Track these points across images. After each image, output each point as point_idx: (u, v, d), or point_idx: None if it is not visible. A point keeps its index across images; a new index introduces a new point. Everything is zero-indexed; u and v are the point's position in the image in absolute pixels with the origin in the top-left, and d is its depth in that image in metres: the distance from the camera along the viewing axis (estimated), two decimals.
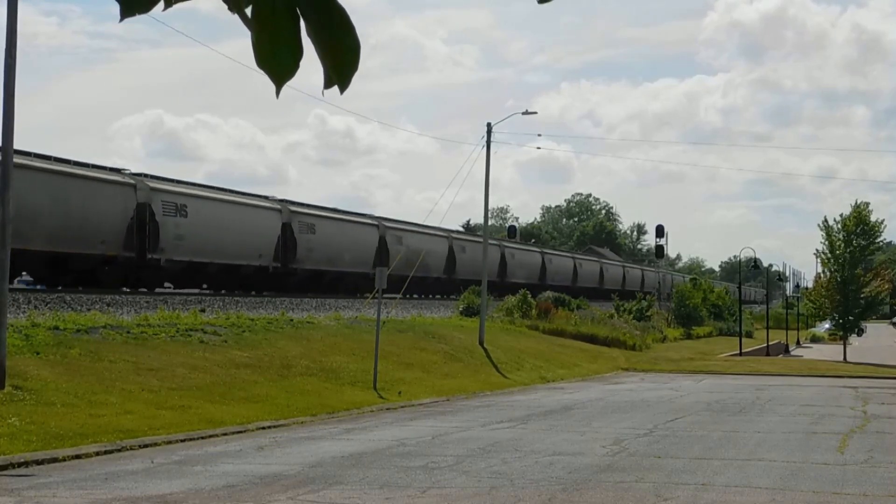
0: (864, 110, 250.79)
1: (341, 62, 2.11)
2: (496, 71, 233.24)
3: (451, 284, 52.76)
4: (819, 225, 57.97)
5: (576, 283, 71.54)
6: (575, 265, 74.97)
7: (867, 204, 57.55)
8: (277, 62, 2.09)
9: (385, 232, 46.66)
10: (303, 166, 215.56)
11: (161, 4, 2.02)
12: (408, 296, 47.73)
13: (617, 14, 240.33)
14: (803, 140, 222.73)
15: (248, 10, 2.08)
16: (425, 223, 49.41)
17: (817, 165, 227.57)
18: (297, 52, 2.09)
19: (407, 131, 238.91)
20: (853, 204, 57.90)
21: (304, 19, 2.08)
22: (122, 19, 2.03)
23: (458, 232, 64.23)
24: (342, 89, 2.14)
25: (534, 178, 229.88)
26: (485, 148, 36.57)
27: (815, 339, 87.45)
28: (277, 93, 2.14)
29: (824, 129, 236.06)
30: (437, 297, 51.51)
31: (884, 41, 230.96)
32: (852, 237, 56.66)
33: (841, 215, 57.75)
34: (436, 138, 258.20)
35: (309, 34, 2.09)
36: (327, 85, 2.13)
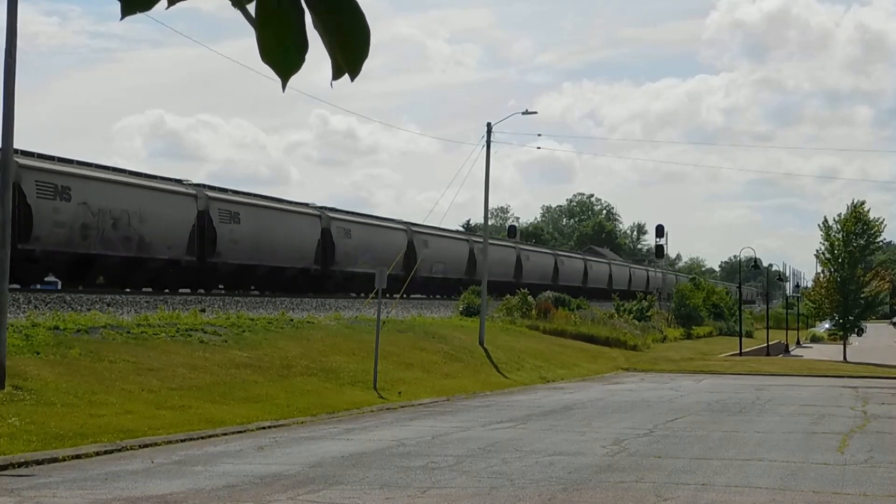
0: (867, 110, 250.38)
1: (351, 47, 2.10)
2: (498, 71, 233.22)
3: (472, 285, 53.93)
4: (819, 225, 58.12)
5: (586, 284, 73.26)
6: (585, 266, 76.49)
7: (863, 202, 57.71)
8: (283, 56, 2.09)
9: (413, 236, 48.89)
10: (304, 166, 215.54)
11: (164, 3, 2.01)
12: (431, 296, 51.31)
13: (619, 14, 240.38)
14: (805, 140, 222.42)
15: (252, 5, 2.07)
16: (447, 227, 51.70)
17: (819, 165, 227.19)
18: (303, 46, 2.09)
19: (408, 131, 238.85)
20: (849, 204, 58.06)
21: (311, 8, 2.07)
22: (122, 17, 2.02)
23: (478, 235, 65.40)
24: (353, 76, 2.12)
25: (535, 178, 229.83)
26: (485, 148, 36.61)
27: (815, 339, 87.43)
28: (284, 87, 2.13)
29: (827, 129, 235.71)
30: (458, 297, 52.69)
31: (887, 40, 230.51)
32: (851, 237, 56.70)
33: (839, 215, 57.83)
34: (437, 138, 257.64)
35: (315, 26, 2.08)
36: (336, 76, 2.12)
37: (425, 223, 50.26)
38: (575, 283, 69.65)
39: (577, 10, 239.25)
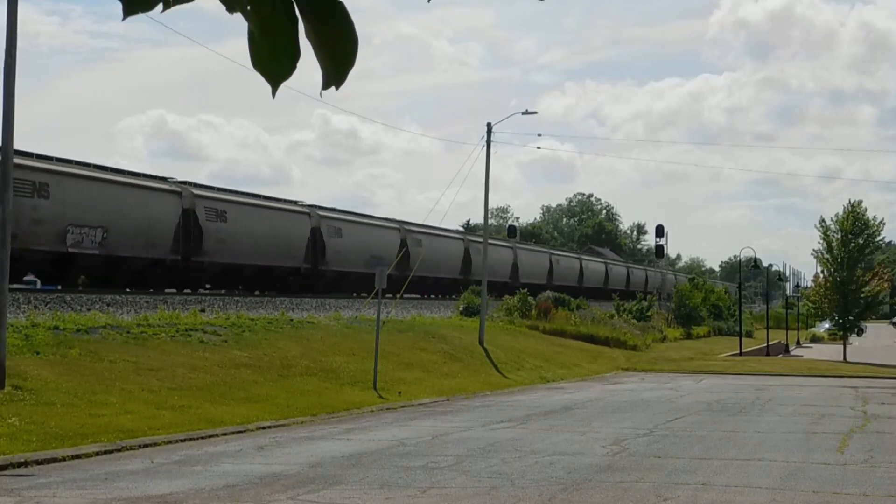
0: (871, 109, 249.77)
1: (338, 57, 2.11)
2: (500, 70, 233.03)
3: (467, 284, 53.63)
4: (816, 225, 58.11)
5: (582, 284, 72.67)
6: (581, 266, 75.90)
7: (860, 202, 57.68)
8: (274, 64, 2.09)
9: (406, 235, 48.49)
10: (306, 166, 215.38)
11: (161, 5, 2.02)
12: (425, 296, 50.97)
13: (622, 13, 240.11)
14: (808, 140, 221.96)
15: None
16: (442, 226, 51.55)
17: (821, 165, 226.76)
18: (295, 54, 2.09)
19: (410, 132, 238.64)
20: (845, 204, 58.02)
21: (303, 17, 2.07)
22: (124, 18, 2.03)
23: (474, 234, 64.91)
24: (337, 85, 2.13)
25: (537, 178, 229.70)
26: (485, 148, 36.64)
27: (815, 339, 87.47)
28: (273, 94, 2.14)
29: (830, 129, 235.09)
30: (453, 297, 52.48)
31: (892, 40, 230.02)
32: (849, 237, 56.65)
33: (836, 215, 57.79)
34: (439, 138, 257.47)
35: (308, 35, 2.09)
36: (326, 85, 2.13)
37: (423, 222, 50.04)
38: (570, 283, 68.95)
39: (580, 10, 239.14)
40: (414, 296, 48.56)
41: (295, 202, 42.22)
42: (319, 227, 41.32)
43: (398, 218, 50.74)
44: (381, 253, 44.36)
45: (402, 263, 44.52)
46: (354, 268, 43.11)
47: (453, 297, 51.96)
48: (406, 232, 48.69)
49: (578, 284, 71.48)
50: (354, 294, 42.89)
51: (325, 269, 41.66)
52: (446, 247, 53.51)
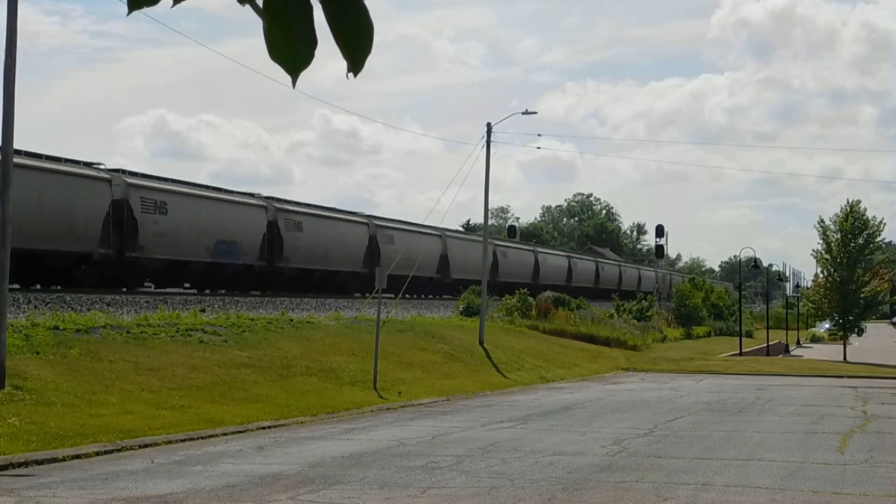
0: (872, 109, 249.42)
1: (355, 44, 2.10)
2: (501, 70, 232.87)
3: (444, 285, 52.85)
4: (815, 226, 58.13)
5: (570, 283, 70.08)
6: (570, 264, 73.81)
7: (858, 202, 57.68)
8: (292, 53, 2.07)
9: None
10: (307, 166, 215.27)
11: (170, 1, 2.01)
12: (396, 296, 47.87)
13: (623, 13, 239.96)
14: (809, 140, 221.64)
15: (259, 1, 2.06)
16: (420, 222, 50.25)
17: (822, 165, 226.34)
18: (312, 42, 2.08)
19: (411, 132, 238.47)
20: (843, 204, 58.01)
21: (320, 2, 2.06)
22: (129, 12, 2.03)
23: (453, 231, 62.50)
24: (356, 72, 2.13)
25: (537, 178, 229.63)
26: (485, 148, 36.64)
27: (815, 339, 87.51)
28: (294, 83, 2.12)
29: (831, 129, 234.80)
30: (430, 296, 51.44)
31: (893, 39, 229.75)
32: (849, 237, 56.65)
33: (836, 215, 57.76)
34: (439, 138, 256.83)
35: (328, 20, 2.08)
36: (351, 69, 2.12)
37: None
38: (558, 282, 66.17)
39: (581, 10, 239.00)
40: (388, 296, 46.14)
41: (251, 194, 38.88)
42: (277, 220, 38.28)
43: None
44: (349, 250, 42.51)
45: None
46: (318, 266, 40.75)
47: (430, 296, 51.28)
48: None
49: (567, 283, 68.46)
50: (330, 295, 40.25)
51: (282, 266, 38.63)
52: (421, 245, 48.69)
